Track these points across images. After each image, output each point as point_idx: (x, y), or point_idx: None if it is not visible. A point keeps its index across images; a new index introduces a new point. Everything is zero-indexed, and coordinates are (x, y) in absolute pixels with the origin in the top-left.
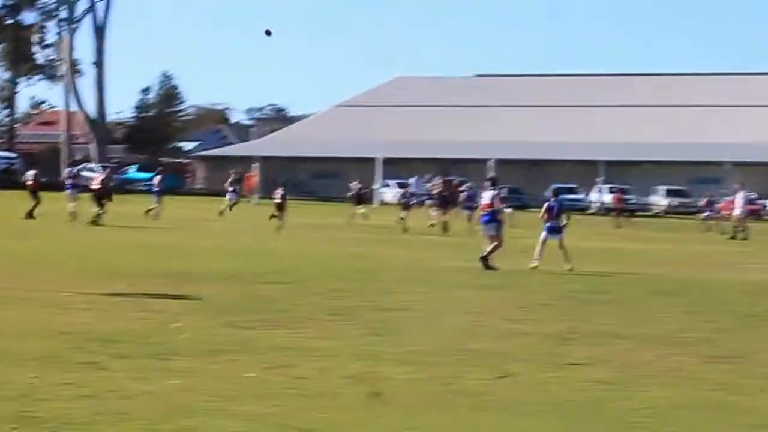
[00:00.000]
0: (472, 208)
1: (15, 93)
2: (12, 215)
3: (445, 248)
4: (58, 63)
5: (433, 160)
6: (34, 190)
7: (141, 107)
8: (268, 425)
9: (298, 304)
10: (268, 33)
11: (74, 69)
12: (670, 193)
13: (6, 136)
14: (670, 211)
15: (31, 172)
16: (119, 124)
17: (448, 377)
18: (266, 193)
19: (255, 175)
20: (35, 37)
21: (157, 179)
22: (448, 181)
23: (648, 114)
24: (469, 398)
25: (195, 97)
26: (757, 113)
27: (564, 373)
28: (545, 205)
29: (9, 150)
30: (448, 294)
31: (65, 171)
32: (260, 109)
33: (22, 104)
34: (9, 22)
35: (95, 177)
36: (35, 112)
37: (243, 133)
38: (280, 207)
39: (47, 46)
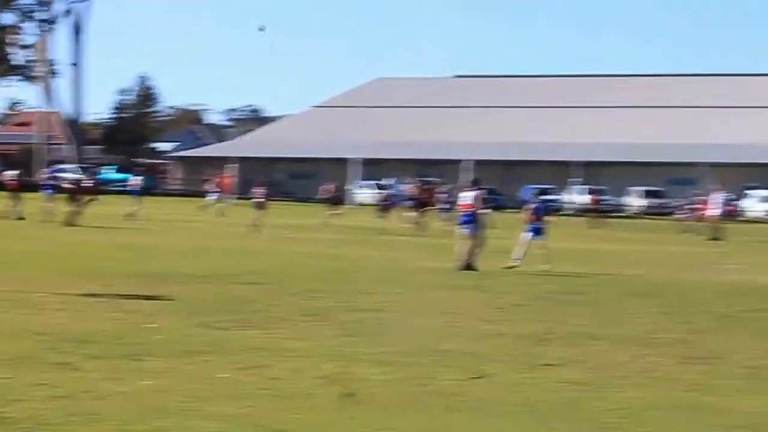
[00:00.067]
0: (449, 210)
1: None
2: None
3: (421, 249)
4: (35, 64)
5: (411, 161)
6: (15, 190)
7: (118, 108)
8: (241, 426)
9: (273, 305)
10: (261, 29)
11: (51, 70)
12: (646, 194)
13: None
14: (646, 212)
15: (12, 172)
16: (96, 124)
17: (423, 378)
18: (243, 193)
19: (230, 176)
20: (12, 38)
21: (137, 180)
22: (425, 183)
23: (623, 115)
24: (444, 399)
25: (172, 98)
26: (732, 114)
27: (539, 373)
28: (529, 206)
29: None
30: (423, 295)
31: (43, 171)
32: (237, 110)
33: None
34: None
35: (74, 178)
36: (12, 113)
37: (220, 133)
38: (261, 206)
39: (25, 47)
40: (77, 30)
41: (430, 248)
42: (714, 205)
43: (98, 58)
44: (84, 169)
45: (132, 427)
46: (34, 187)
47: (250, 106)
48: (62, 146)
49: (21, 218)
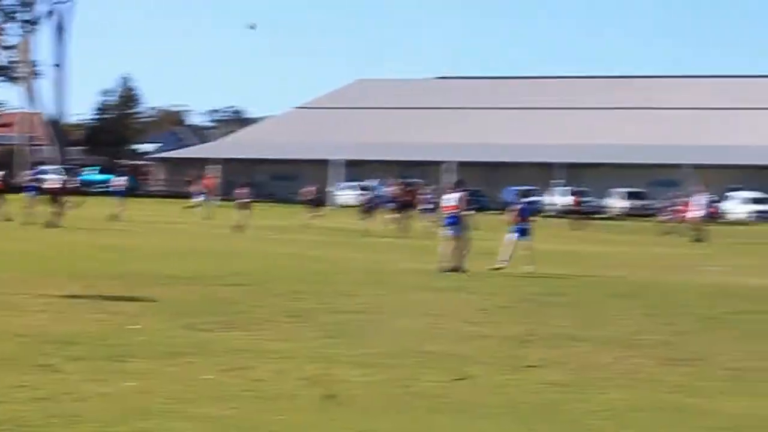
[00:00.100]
0: (432, 211)
1: None
2: None
3: (403, 251)
4: (18, 65)
5: (393, 163)
6: (1, 192)
7: (100, 109)
8: (224, 427)
9: (256, 306)
10: (252, 27)
11: (34, 71)
12: (628, 196)
13: None
14: (628, 214)
15: None
16: (78, 126)
17: (405, 379)
18: (225, 195)
19: (213, 177)
20: None
21: (120, 181)
22: (407, 184)
23: (606, 116)
24: (426, 400)
25: (155, 99)
26: (714, 116)
27: (521, 375)
28: (515, 207)
29: None
30: (406, 296)
31: (26, 173)
32: (219, 111)
33: None
34: None
35: (56, 179)
36: None
37: (202, 134)
38: (244, 207)
39: (7, 47)
40: (60, 31)
41: (412, 250)
42: (697, 206)
43: (81, 59)
44: (67, 171)
45: (114, 428)
46: (17, 189)
47: (232, 107)
48: (44, 147)
49: (9, 219)
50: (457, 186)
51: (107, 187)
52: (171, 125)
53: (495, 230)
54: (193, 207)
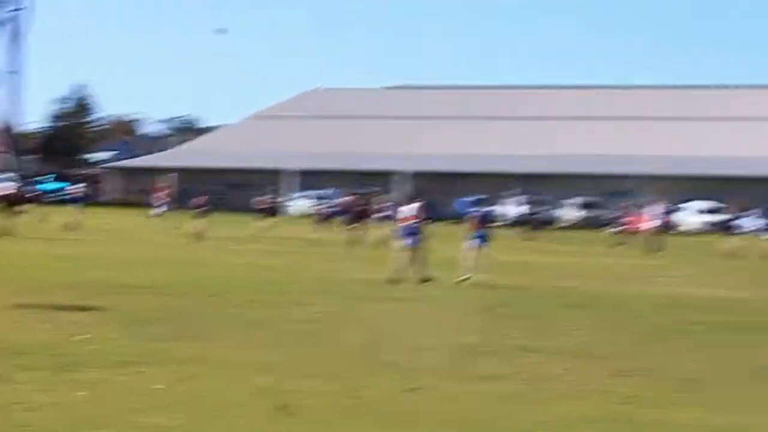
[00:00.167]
0: (387, 221)
1: None
2: None
3: (357, 261)
4: None
5: (348, 172)
6: None
7: (55, 117)
8: None
9: (208, 316)
10: (221, 31)
11: None
12: (582, 206)
13: None
14: (581, 224)
15: None
16: (33, 134)
17: (357, 390)
18: (179, 204)
19: (167, 187)
20: None
21: (77, 188)
22: (362, 194)
23: (560, 126)
24: (378, 411)
25: (109, 107)
26: (668, 126)
27: (473, 386)
28: (474, 214)
29: None
30: (359, 306)
31: None
32: (174, 120)
33: None
34: None
35: (8, 186)
36: None
37: (156, 143)
38: (202, 216)
39: None
40: (16, 37)
41: (366, 260)
42: (652, 217)
43: (35, 66)
44: (22, 179)
45: None
46: None
47: (187, 115)
48: None
49: None
50: (416, 197)
51: (63, 195)
52: (125, 134)
53: (449, 240)
54: (157, 217)
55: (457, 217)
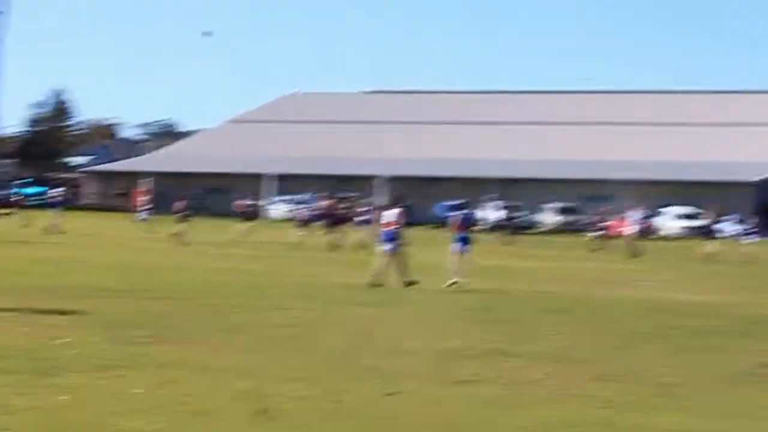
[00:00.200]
0: (367, 224)
1: None
2: None
3: (337, 265)
4: None
5: (327, 177)
6: None
7: (33, 122)
8: None
9: (188, 320)
10: (207, 34)
11: None
12: (561, 211)
13: None
14: (560, 229)
15: None
16: (10, 138)
17: (338, 394)
18: (158, 208)
19: (145, 191)
20: None
21: (57, 192)
22: (341, 198)
23: (538, 131)
24: (359, 415)
25: (87, 111)
26: (646, 132)
27: (454, 390)
28: (457, 217)
29: None
30: (339, 310)
31: None
32: (152, 124)
33: None
34: None
35: None
36: None
37: (134, 147)
38: (183, 221)
39: None
40: None
41: (346, 264)
42: (631, 222)
43: (13, 70)
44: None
45: None
46: None
47: (165, 120)
48: None
49: None
50: (396, 202)
51: (41, 199)
52: (103, 138)
53: (426, 245)
54: (145, 221)
55: (437, 222)
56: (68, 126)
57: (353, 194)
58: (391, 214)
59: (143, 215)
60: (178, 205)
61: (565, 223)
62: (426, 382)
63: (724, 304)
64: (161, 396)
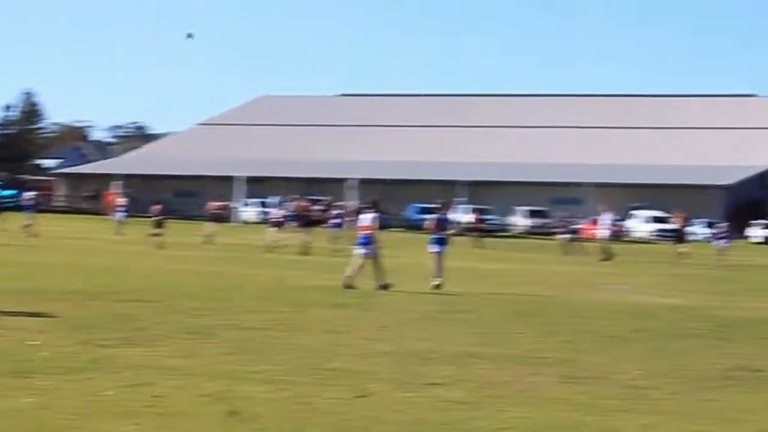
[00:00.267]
0: (339, 227)
1: None
2: None
3: (306, 268)
4: None
5: (296, 179)
6: None
7: (2, 124)
8: None
9: (158, 323)
10: (189, 35)
11: None
12: (531, 214)
13: None
14: (530, 232)
15: None
16: None
17: (307, 396)
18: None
19: (116, 194)
20: None
21: (30, 195)
22: (312, 201)
23: (508, 135)
24: (328, 417)
25: (57, 114)
26: (617, 135)
27: (422, 392)
28: (433, 218)
29: None
30: (308, 313)
31: None
32: (122, 127)
33: None
34: None
35: None
36: None
37: (104, 150)
38: (159, 224)
39: None
40: None
41: (315, 266)
42: (602, 225)
43: None
44: None
45: None
46: None
47: (135, 123)
48: None
49: None
50: (372, 206)
51: (13, 202)
52: (74, 141)
53: (397, 247)
54: (121, 223)
55: (408, 224)
56: (39, 128)
57: (327, 197)
58: (366, 218)
59: (120, 216)
60: (155, 208)
61: (536, 226)
62: (395, 385)
63: (697, 306)
64: (131, 398)
